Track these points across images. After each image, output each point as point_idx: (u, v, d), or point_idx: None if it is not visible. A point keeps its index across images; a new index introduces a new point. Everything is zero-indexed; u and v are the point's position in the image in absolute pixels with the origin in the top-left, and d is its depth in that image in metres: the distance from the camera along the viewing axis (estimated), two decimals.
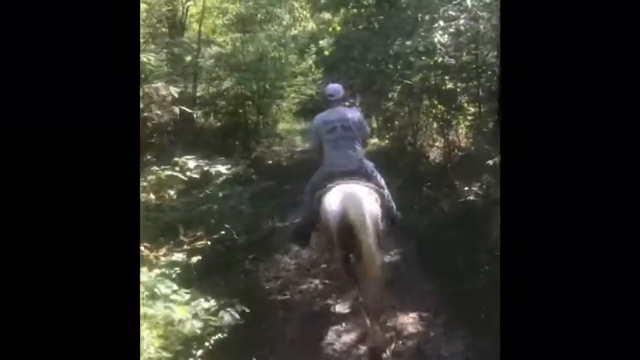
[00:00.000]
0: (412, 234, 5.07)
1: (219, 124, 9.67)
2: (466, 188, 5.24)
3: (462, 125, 7.48)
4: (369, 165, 3.82)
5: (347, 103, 4.39)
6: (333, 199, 3.25)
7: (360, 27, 9.18)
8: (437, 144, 8.32)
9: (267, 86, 9.64)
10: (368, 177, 3.60)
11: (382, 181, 3.75)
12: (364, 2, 8.47)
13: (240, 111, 9.81)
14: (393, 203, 3.81)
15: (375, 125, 9.34)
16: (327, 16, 11.52)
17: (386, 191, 3.72)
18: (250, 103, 9.83)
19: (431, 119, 8.07)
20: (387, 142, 8.94)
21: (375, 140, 8.97)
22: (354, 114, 3.91)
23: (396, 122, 8.86)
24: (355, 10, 8.88)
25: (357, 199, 3.17)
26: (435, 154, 7.93)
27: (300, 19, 14.83)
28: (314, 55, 15.03)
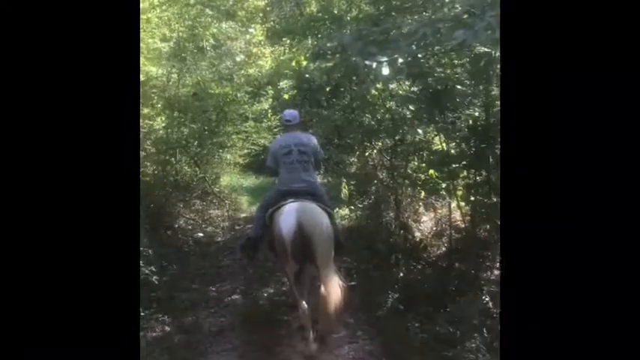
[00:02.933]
0: None
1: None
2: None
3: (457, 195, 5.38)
4: (320, 187, 4.12)
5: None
6: (286, 215, 3.41)
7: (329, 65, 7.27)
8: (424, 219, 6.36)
9: (205, 130, 7.28)
10: (318, 198, 3.74)
11: (331, 203, 3.94)
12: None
13: (172, 160, 7.33)
14: (338, 227, 4.06)
15: (344, 190, 7.14)
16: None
17: (332, 211, 3.88)
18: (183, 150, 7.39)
19: (418, 187, 6.06)
20: (358, 213, 6.73)
21: (345, 211, 6.76)
22: (309, 139, 4.14)
23: (372, 188, 6.73)
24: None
25: (312, 212, 3.41)
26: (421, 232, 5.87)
27: (255, 54, 12.83)
28: (270, 99, 13.15)
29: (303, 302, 3.48)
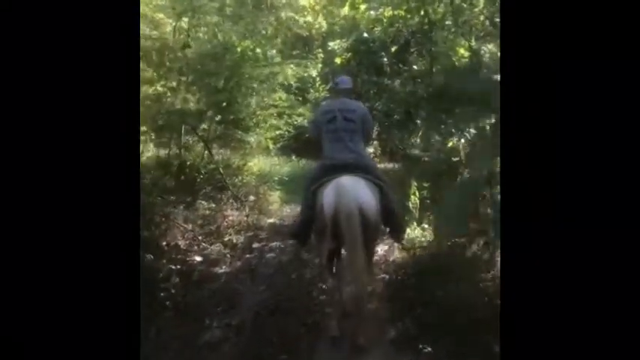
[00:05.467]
0: None
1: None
2: None
3: None
4: (371, 160, 3.82)
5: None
6: (327, 192, 3.08)
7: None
8: None
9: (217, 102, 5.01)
10: (367, 171, 3.28)
11: (384, 178, 3.44)
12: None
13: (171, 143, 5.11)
14: (393, 197, 3.41)
15: (414, 197, 4.80)
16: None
17: (389, 187, 3.37)
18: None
19: None
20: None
21: (415, 233, 4.47)
22: (357, 105, 3.60)
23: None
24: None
25: (350, 189, 3.01)
26: None
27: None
28: (320, 65, 10.68)
29: (332, 280, 3.32)
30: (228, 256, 4.73)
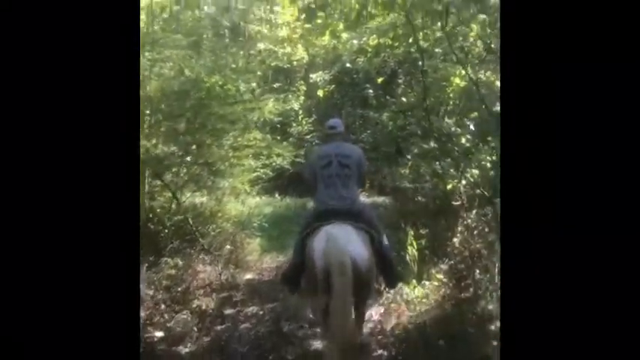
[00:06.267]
0: None
1: None
2: None
3: None
4: (362, 204, 3.68)
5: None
6: (317, 240, 3.01)
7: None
8: None
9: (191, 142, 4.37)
10: (360, 217, 3.22)
11: (376, 222, 3.38)
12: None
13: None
14: (387, 243, 3.37)
15: (411, 249, 4.13)
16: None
17: (380, 235, 3.29)
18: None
19: None
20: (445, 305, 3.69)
21: (417, 293, 3.82)
22: (353, 150, 3.58)
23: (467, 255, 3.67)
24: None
25: (341, 239, 2.92)
26: None
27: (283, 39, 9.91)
28: (302, 97, 10.13)
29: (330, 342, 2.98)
30: (195, 329, 3.97)
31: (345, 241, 2.89)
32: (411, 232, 4.38)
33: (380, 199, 8.54)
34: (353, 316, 2.86)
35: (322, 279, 2.83)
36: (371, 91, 7.94)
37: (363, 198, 6.35)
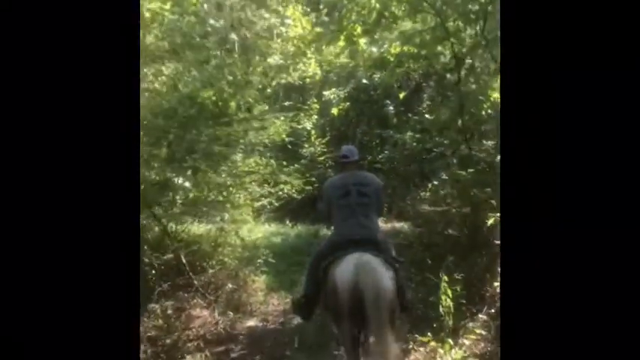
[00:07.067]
0: None
1: None
2: None
3: None
4: (384, 236, 3.57)
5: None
6: (343, 270, 2.95)
7: None
8: None
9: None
10: (381, 249, 3.17)
11: (396, 256, 3.32)
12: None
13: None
14: (405, 282, 3.38)
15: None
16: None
17: (401, 267, 3.28)
18: None
19: None
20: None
21: None
22: (371, 178, 3.54)
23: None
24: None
25: (372, 268, 2.90)
26: None
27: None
28: (314, 115, 9.43)
29: None
30: None
31: (377, 271, 2.86)
32: (445, 279, 3.59)
33: (399, 225, 7.76)
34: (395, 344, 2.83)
35: (350, 306, 2.81)
36: (391, 108, 7.22)
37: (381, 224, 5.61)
